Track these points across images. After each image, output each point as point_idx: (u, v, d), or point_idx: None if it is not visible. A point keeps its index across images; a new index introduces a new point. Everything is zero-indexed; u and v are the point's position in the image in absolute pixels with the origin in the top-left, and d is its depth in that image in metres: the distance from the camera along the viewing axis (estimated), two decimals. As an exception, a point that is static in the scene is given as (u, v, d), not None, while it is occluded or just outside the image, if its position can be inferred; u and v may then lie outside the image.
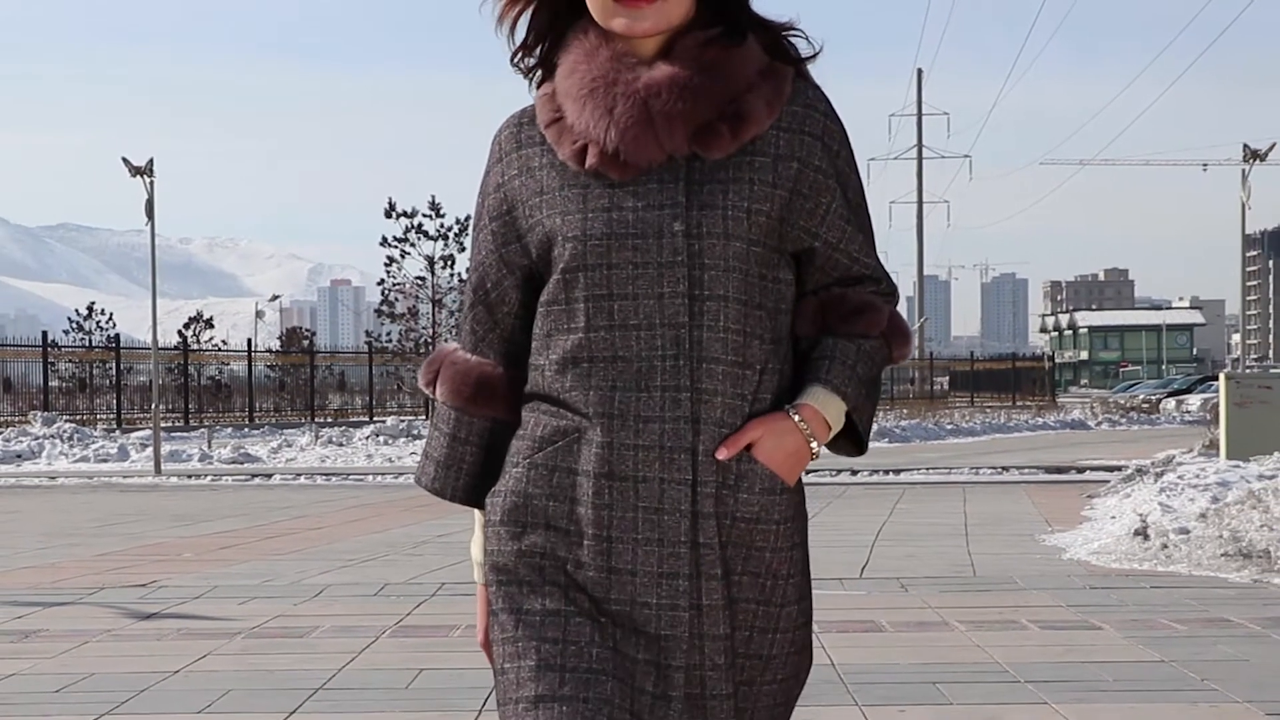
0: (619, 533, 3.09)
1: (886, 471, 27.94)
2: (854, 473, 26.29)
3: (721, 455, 3.11)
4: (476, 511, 3.29)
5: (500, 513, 3.17)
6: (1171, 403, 72.56)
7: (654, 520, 3.08)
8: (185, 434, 44.73)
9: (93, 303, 65.55)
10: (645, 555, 3.08)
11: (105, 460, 34.59)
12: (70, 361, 56.12)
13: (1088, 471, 27.41)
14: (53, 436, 36.90)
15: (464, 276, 42.11)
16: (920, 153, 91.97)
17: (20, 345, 54.21)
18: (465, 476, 3.30)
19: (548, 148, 3.22)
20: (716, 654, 3.11)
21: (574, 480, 3.13)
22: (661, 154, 3.12)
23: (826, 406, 3.19)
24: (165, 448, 33.23)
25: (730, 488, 3.13)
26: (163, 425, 36.02)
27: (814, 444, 3.18)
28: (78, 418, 46.50)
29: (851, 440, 3.30)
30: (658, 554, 3.08)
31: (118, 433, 41.96)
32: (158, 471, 30.68)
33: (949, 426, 50.62)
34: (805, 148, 3.20)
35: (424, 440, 3.97)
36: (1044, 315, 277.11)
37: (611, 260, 3.10)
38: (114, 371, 54.84)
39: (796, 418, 3.16)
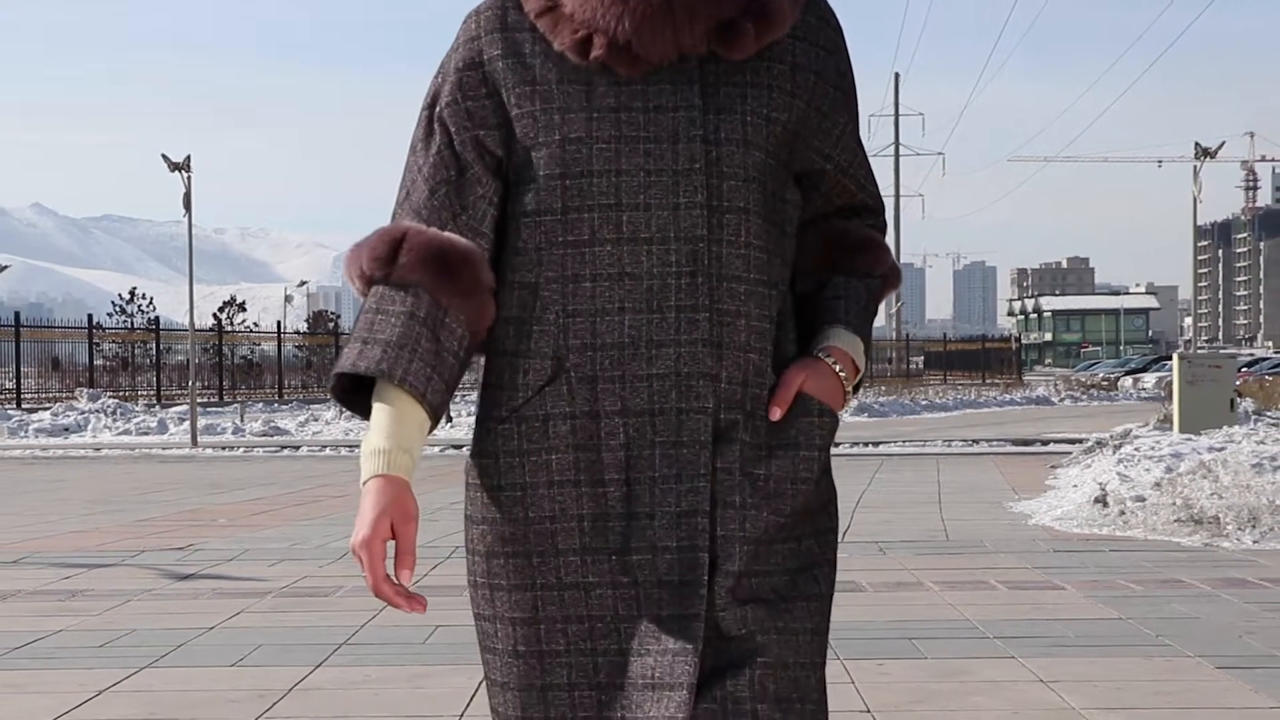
0: (636, 473, 2.58)
1: (866, 444, 27.95)
2: (836, 444, 26.25)
3: (775, 416, 2.62)
4: (394, 400, 2.55)
5: (494, 476, 2.63)
6: (1129, 381, 72.55)
7: (671, 456, 2.57)
8: (219, 409, 44.72)
9: (134, 288, 65.49)
10: (663, 495, 2.56)
11: (146, 433, 34.58)
12: (113, 342, 56.06)
13: (1051, 444, 27.41)
14: (97, 411, 36.90)
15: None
16: (897, 150, 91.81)
17: (68, 327, 54.22)
18: (419, 361, 2.57)
19: (539, 35, 2.66)
20: (723, 592, 2.56)
21: (575, 425, 2.59)
22: (675, 51, 2.61)
23: (853, 348, 2.75)
24: (201, 422, 33.24)
25: (760, 431, 2.62)
26: (199, 401, 36.04)
27: (849, 386, 2.72)
28: (120, 394, 46.50)
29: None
30: (675, 491, 2.56)
31: (157, 408, 41.95)
32: (194, 444, 30.71)
33: (924, 403, 50.60)
34: (820, 61, 2.73)
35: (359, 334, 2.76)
36: (1011, 300, 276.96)
37: (620, 166, 2.58)
38: (154, 351, 54.88)
39: (830, 360, 2.70)
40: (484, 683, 2.71)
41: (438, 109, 2.70)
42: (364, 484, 2.54)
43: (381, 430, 2.55)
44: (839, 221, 2.84)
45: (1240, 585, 10.29)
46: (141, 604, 9.84)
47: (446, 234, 2.63)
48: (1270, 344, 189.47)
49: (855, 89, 2.83)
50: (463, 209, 2.67)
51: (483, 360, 2.73)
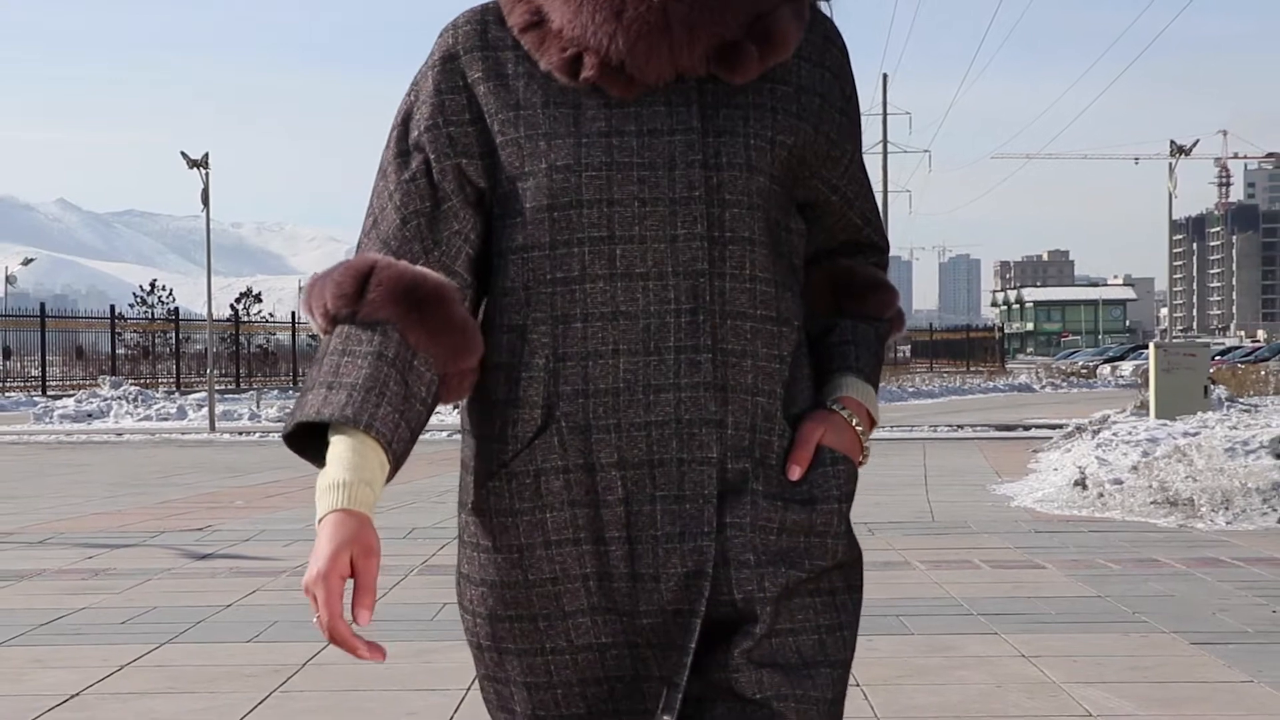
0: (638, 530, 2.26)
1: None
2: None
3: (794, 475, 2.31)
4: (356, 445, 2.19)
5: (489, 536, 2.32)
6: (1107, 369, 72.50)
7: (674, 511, 2.25)
8: (236, 396, 44.71)
9: (155, 280, 65.48)
10: (666, 555, 2.25)
11: (166, 419, 34.56)
12: (135, 331, 56.08)
13: (1033, 429, 27.40)
14: (119, 398, 36.88)
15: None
16: (885, 148, 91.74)
17: (91, 317, 54.30)
18: (387, 406, 2.22)
19: (523, 54, 2.34)
20: (737, 654, 2.25)
21: (570, 479, 2.27)
22: (672, 71, 2.29)
23: (867, 398, 2.45)
24: (219, 408, 33.22)
25: (773, 481, 2.31)
26: (216, 388, 36.01)
27: (865, 440, 2.42)
28: (141, 381, 46.47)
29: None
30: (679, 552, 2.25)
31: (177, 395, 41.94)
32: (212, 429, 30.70)
33: (910, 390, 50.58)
34: (826, 84, 2.41)
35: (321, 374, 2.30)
36: (995, 291, 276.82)
37: (613, 195, 2.25)
38: (174, 340, 54.88)
39: (845, 412, 2.39)
40: None
41: (414, 133, 2.37)
42: (320, 520, 2.18)
43: (341, 463, 2.19)
44: (843, 260, 2.54)
45: (1214, 564, 10.28)
46: (162, 582, 9.83)
47: (418, 268, 2.29)
48: (1242, 333, 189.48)
49: (860, 117, 2.51)
50: (435, 244, 2.32)
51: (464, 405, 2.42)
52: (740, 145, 2.30)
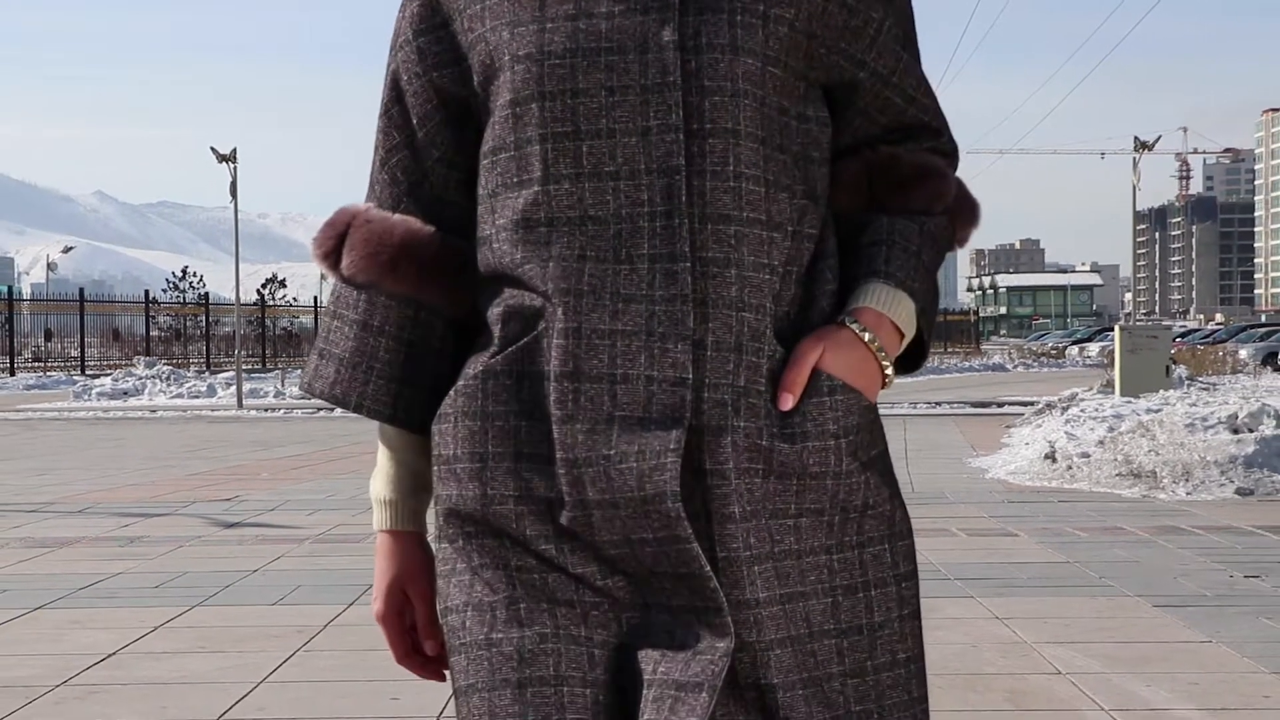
0: (587, 451, 1.81)
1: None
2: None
3: (786, 404, 1.84)
4: (386, 429, 2.01)
5: (451, 444, 1.90)
6: (1075, 350, 72.50)
7: (634, 434, 1.80)
8: (262, 375, 44.70)
9: (186, 267, 65.47)
10: (622, 478, 1.79)
11: (196, 397, 34.56)
12: (168, 315, 56.07)
13: (1006, 406, 27.41)
14: (153, 377, 36.87)
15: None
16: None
17: (127, 301, 54.35)
18: (378, 379, 1.98)
19: None
20: (753, 628, 1.80)
21: (546, 388, 1.85)
22: None
23: (893, 307, 1.94)
24: (246, 386, 33.22)
25: (760, 413, 1.84)
26: (244, 368, 36.01)
27: (885, 360, 1.91)
28: (174, 362, 46.52)
29: (906, 351, 2.01)
30: (637, 471, 1.79)
31: (207, 374, 41.93)
32: (239, 406, 30.68)
33: (892, 369, 50.52)
34: None
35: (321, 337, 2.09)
36: (970, 277, 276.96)
37: (578, 85, 1.85)
38: (204, 323, 54.89)
39: (857, 326, 1.90)
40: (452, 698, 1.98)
41: (390, 60, 2.05)
42: (377, 532, 2.02)
43: (383, 474, 2.01)
44: (886, 148, 2.03)
45: (1175, 532, 10.28)
46: (192, 549, 9.83)
47: (394, 218, 2.00)
48: (1201, 317, 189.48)
49: None
50: (422, 176, 2.01)
51: None
52: (724, 23, 1.87)
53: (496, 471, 1.86)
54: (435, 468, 1.93)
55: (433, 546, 1.98)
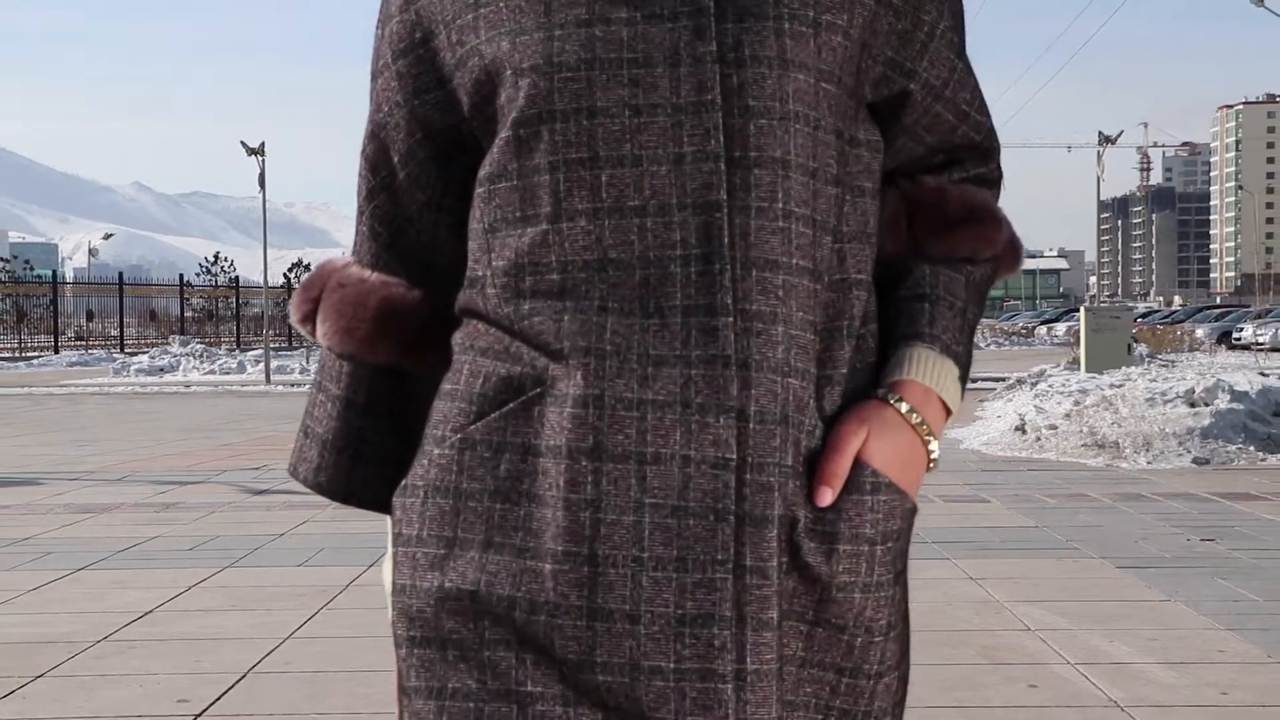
0: (610, 549, 1.40)
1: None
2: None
3: (825, 500, 1.45)
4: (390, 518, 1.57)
5: (416, 523, 1.49)
6: (1044, 329, 72.49)
7: (670, 527, 1.39)
8: (289, 352, 44.66)
9: (218, 252, 65.30)
10: (655, 587, 1.39)
11: (228, 373, 34.53)
12: (201, 297, 56.01)
13: (979, 381, 27.34)
14: (187, 354, 36.85)
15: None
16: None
17: (162, 285, 54.39)
18: (366, 465, 1.62)
19: None
20: None
21: (535, 465, 1.44)
22: None
23: (941, 380, 1.55)
24: (273, 363, 33.20)
25: (800, 497, 1.45)
26: (271, 346, 36.01)
27: (932, 447, 1.52)
28: (206, 340, 46.57)
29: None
30: (676, 584, 1.39)
31: (237, 352, 41.92)
32: (268, 381, 30.68)
33: (873, 347, 50.50)
34: None
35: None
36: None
37: (595, 102, 1.43)
38: (234, 305, 54.93)
39: (904, 406, 1.51)
40: None
41: (376, 75, 1.62)
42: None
43: (387, 557, 1.59)
44: (929, 179, 1.64)
45: (1136, 499, 10.28)
46: (224, 515, 9.82)
47: (371, 281, 1.62)
48: (1161, 299, 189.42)
49: None
50: (406, 224, 1.60)
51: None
52: (769, 31, 1.46)
53: (459, 560, 1.46)
54: (393, 549, 1.53)
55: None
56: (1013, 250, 1.68)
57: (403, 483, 1.54)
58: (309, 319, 1.67)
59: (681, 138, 1.43)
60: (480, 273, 1.52)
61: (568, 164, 1.45)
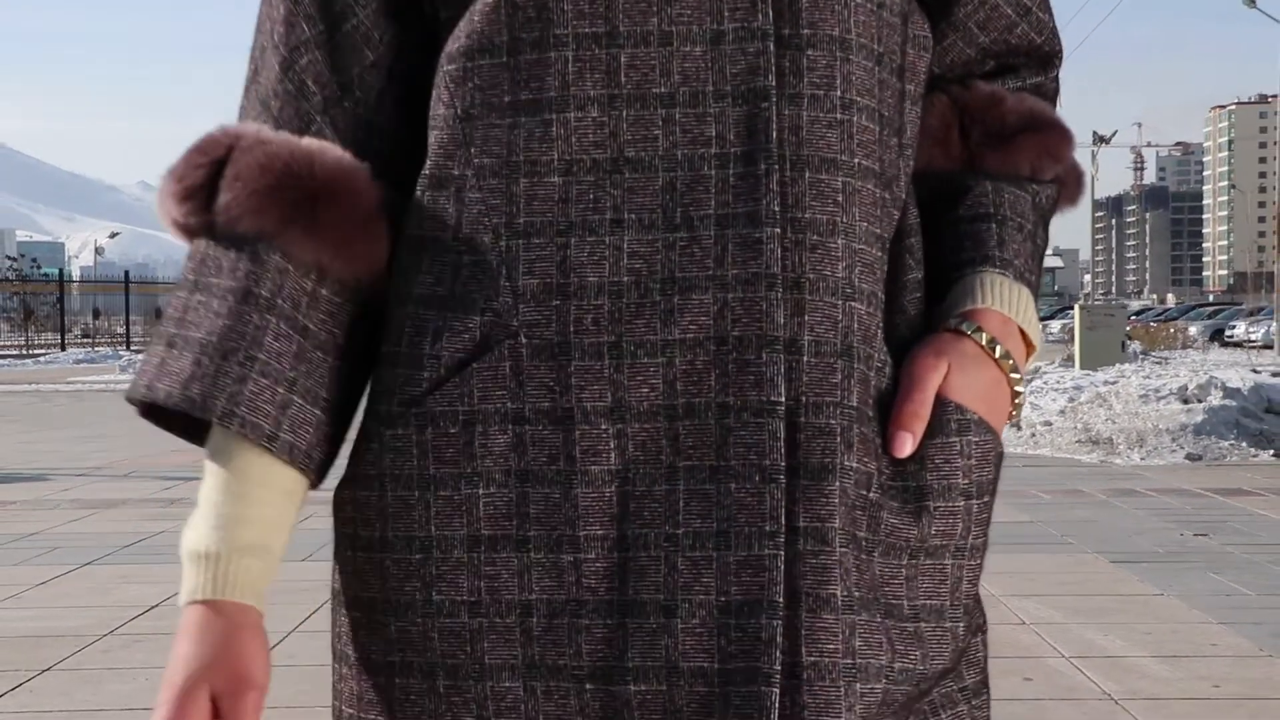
0: (641, 527, 1.11)
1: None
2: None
3: (904, 448, 1.18)
4: (245, 451, 1.23)
5: (376, 523, 1.19)
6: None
7: (708, 495, 1.11)
8: (293, 350, 44.80)
9: (222, 251, 65.61)
10: (694, 570, 1.11)
11: (232, 370, 34.52)
12: (206, 295, 56.18)
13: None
14: (193, 352, 36.87)
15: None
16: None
17: (168, 283, 54.17)
18: (260, 377, 1.18)
19: None
20: None
21: (526, 435, 1.13)
22: None
23: (1020, 309, 1.27)
24: (278, 360, 33.20)
25: (873, 449, 1.18)
26: (276, 343, 36.06)
27: (1018, 383, 1.25)
28: (211, 338, 46.59)
29: None
30: (718, 565, 1.11)
31: (242, 349, 41.93)
32: (272, 378, 30.67)
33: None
34: None
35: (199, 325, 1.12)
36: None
37: None
38: (239, 303, 55.02)
39: (983, 336, 1.23)
40: None
41: None
42: (183, 608, 1.22)
43: (211, 514, 1.25)
44: (981, 84, 1.35)
45: (1130, 494, 10.28)
46: (229, 510, 9.83)
47: (303, 143, 1.20)
48: (1155, 297, 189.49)
49: None
50: (341, 90, 1.21)
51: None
52: None
53: (444, 565, 1.15)
54: (350, 553, 1.23)
55: (335, 667, 1.25)
56: (1076, 176, 1.40)
57: (347, 472, 1.23)
58: (200, 191, 1.20)
59: (721, 11, 1.14)
60: (455, 170, 1.18)
61: (578, 39, 1.14)
